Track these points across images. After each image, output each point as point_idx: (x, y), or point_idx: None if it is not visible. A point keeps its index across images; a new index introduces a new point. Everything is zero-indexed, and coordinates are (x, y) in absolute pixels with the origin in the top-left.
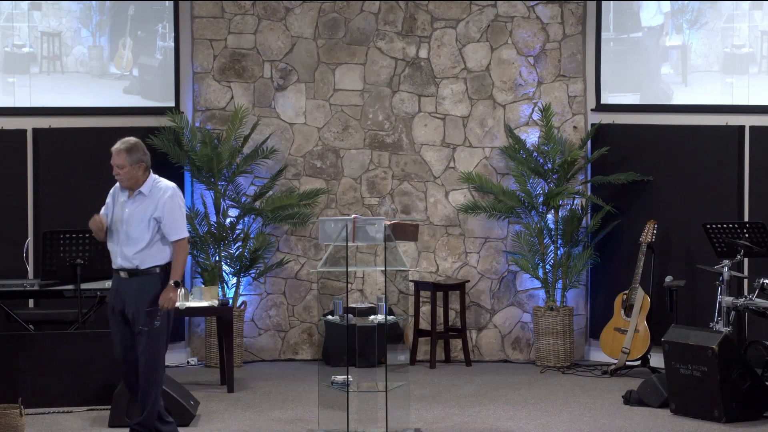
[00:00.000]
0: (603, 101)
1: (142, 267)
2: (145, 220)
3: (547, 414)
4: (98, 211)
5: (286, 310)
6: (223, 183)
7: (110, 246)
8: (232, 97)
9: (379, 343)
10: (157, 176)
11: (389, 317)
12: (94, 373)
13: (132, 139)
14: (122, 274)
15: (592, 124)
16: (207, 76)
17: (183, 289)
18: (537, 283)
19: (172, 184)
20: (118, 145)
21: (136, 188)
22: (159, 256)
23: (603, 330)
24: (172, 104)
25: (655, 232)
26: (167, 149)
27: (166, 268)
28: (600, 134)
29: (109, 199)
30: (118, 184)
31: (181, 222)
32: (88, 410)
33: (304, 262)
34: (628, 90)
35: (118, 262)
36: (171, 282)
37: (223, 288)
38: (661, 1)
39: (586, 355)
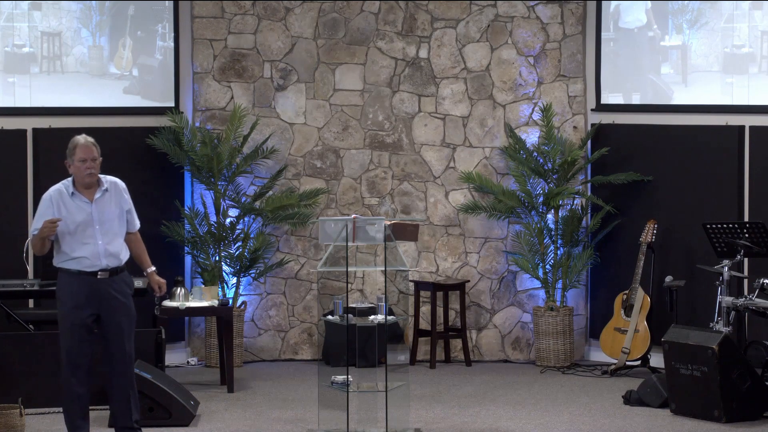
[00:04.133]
0: (603, 101)
1: (124, 261)
2: (117, 214)
3: (547, 414)
4: None
5: (286, 310)
6: (223, 183)
7: (81, 250)
8: (232, 97)
9: (379, 343)
10: None
11: (389, 317)
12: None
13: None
14: (101, 275)
15: (592, 124)
16: (207, 76)
17: (183, 289)
18: (537, 283)
19: None
20: (85, 140)
21: (94, 185)
22: (126, 250)
23: (603, 330)
24: (172, 104)
25: (655, 232)
26: (167, 149)
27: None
28: (600, 134)
29: (51, 209)
30: (53, 191)
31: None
32: None
33: (304, 262)
34: (628, 90)
35: (100, 263)
36: (151, 269)
37: (223, 288)
38: (644, 1)
39: (586, 355)
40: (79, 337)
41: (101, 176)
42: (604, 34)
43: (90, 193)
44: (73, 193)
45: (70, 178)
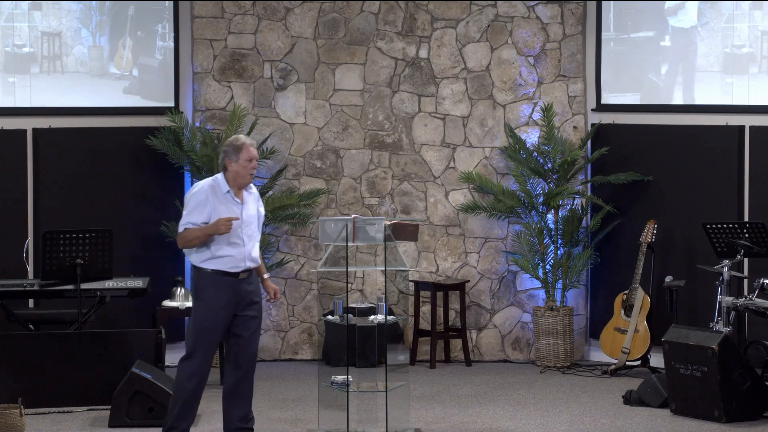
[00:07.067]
0: (603, 101)
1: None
2: (257, 217)
3: (547, 414)
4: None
5: (286, 310)
6: None
7: (227, 250)
8: (232, 97)
9: (379, 343)
10: None
11: (389, 317)
12: (94, 373)
13: None
14: (243, 275)
15: (592, 124)
16: (207, 76)
17: (183, 289)
18: (537, 283)
19: None
20: (250, 140)
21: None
22: None
23: (603, 330)
24: (172, 104)
25: (655, 232)
26: (167, 149)
27: None
28: (600, 134)
29: (209, 204)
30: (206, 186)
31: None
32: (88, 410)
33: (304, 262)
34: (628, 90)
35: (244, 264)
36: (267, 275)
37: None
38: (690, 2)
39: (586, 355)
40: (216, 339)
41: None
42: (604, 34)
43: (240, 194)
44: (228, 191)
45: (220, 175)
